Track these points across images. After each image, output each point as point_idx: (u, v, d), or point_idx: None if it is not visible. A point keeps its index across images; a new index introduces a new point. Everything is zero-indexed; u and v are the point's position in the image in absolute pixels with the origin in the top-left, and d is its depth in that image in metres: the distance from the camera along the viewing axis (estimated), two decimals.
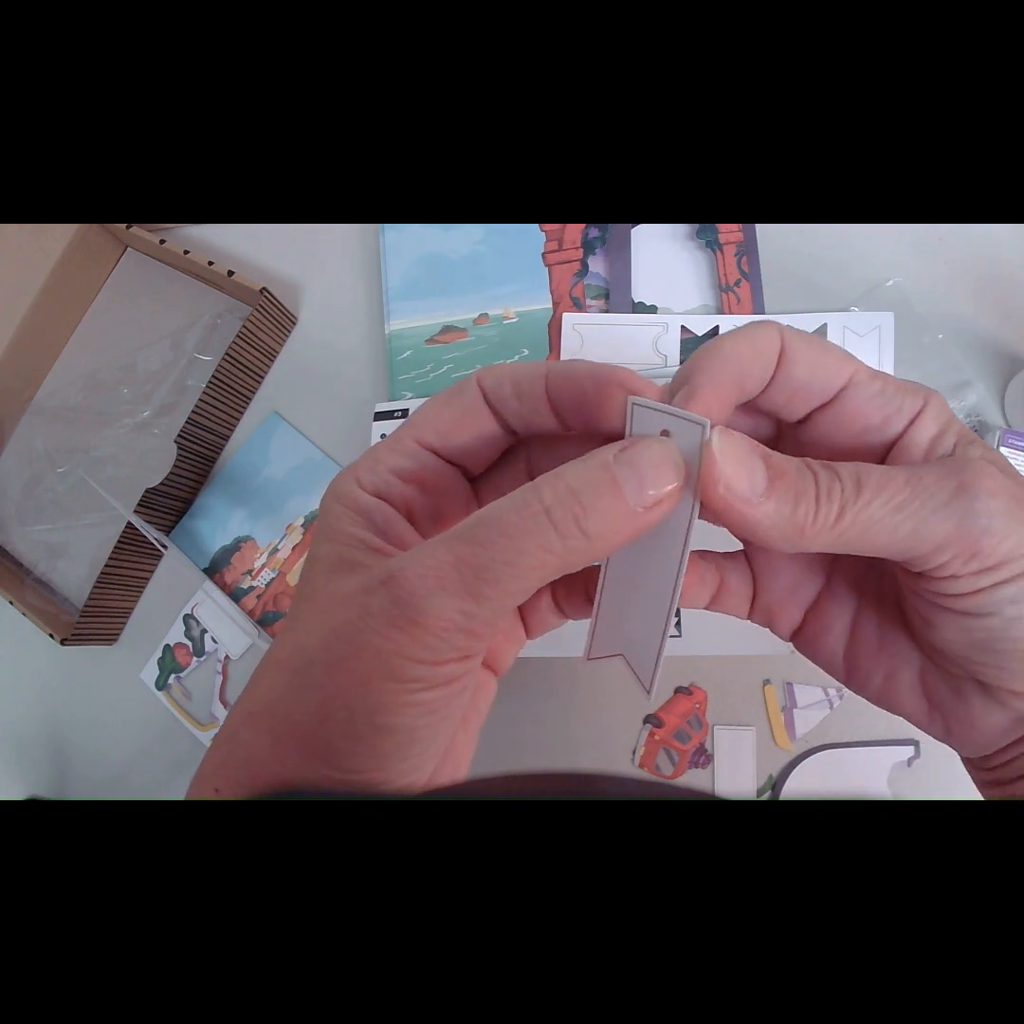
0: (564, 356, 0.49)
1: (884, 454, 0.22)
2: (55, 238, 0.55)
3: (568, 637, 0.45)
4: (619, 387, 0.20)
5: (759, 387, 0.21)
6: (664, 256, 0.50)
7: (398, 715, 0.18)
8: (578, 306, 0.50)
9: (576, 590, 0.24)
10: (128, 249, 0.60)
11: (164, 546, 0.52)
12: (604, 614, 0.22)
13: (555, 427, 0.21)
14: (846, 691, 0.45)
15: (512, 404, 0.21)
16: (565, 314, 0.50)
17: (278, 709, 0.19)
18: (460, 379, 0.22)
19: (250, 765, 0.19)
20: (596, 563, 0.21)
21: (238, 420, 0.55)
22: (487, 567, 0.17)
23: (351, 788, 0.19)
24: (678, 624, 0.45)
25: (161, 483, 0.50)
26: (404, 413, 0.50)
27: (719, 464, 0.18)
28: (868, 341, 0.46)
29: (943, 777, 0.43)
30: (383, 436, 0.50)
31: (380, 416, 0.51)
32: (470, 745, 0.24)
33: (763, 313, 0.48)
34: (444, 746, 0.20)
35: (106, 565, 0.50)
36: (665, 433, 0.19)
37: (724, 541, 0.23)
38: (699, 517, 0.19)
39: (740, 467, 0.19)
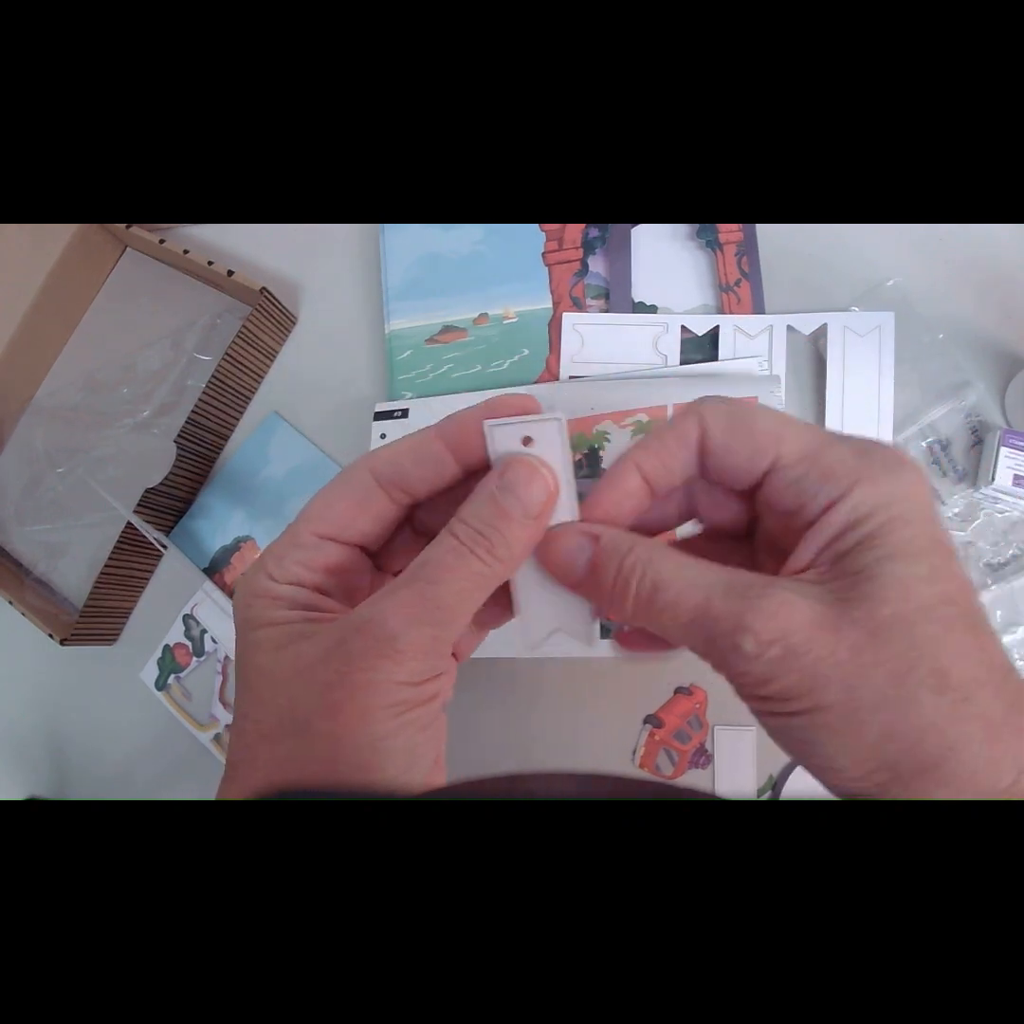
0: (564, 356, 0.49)
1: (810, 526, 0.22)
2: (55, 238, 0.55)
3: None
4: (494, 409, 0.24)
5: (685, 473, 0.23)
6: (664, 256, 0.50)
7: (398, 737, 0.21)
8: (578, 306, 0.50)
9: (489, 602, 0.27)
10: (128, 249, 0.60)
11: (164, 546, 0.52)
12: (524, 605, 0.25)
13: (457, 475, 0.24)
14: None
15: (415, 472, 0.24)
16: (565, 314, 0.50)
17: (289, 776, 0.21)
18: (347, 468, 0.24)
19: None
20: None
21: (238, 420, 0.55)
22: (442, 598, 0.21)
23: (354, 790, 0.20)
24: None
25: (161, 483, 0.50)
26: (404, 413, 0.50)
27: (545, 555, 0.23)
28: (868, 341, 0.46)
29: None
30: (383, 436, 0.50)
31: (380, 416, 0.51)
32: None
33: (763, 312, 0.48)
34: (437, 755, 0.23)
35: (106, 565, 0.50)
36: (527, 439, 0.23)
37: None
38: None
39: (562, 560, 0.23)
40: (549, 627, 0.25)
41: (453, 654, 0.26)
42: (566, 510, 0.23)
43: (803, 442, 0.21)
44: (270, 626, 0.23)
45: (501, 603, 0.26)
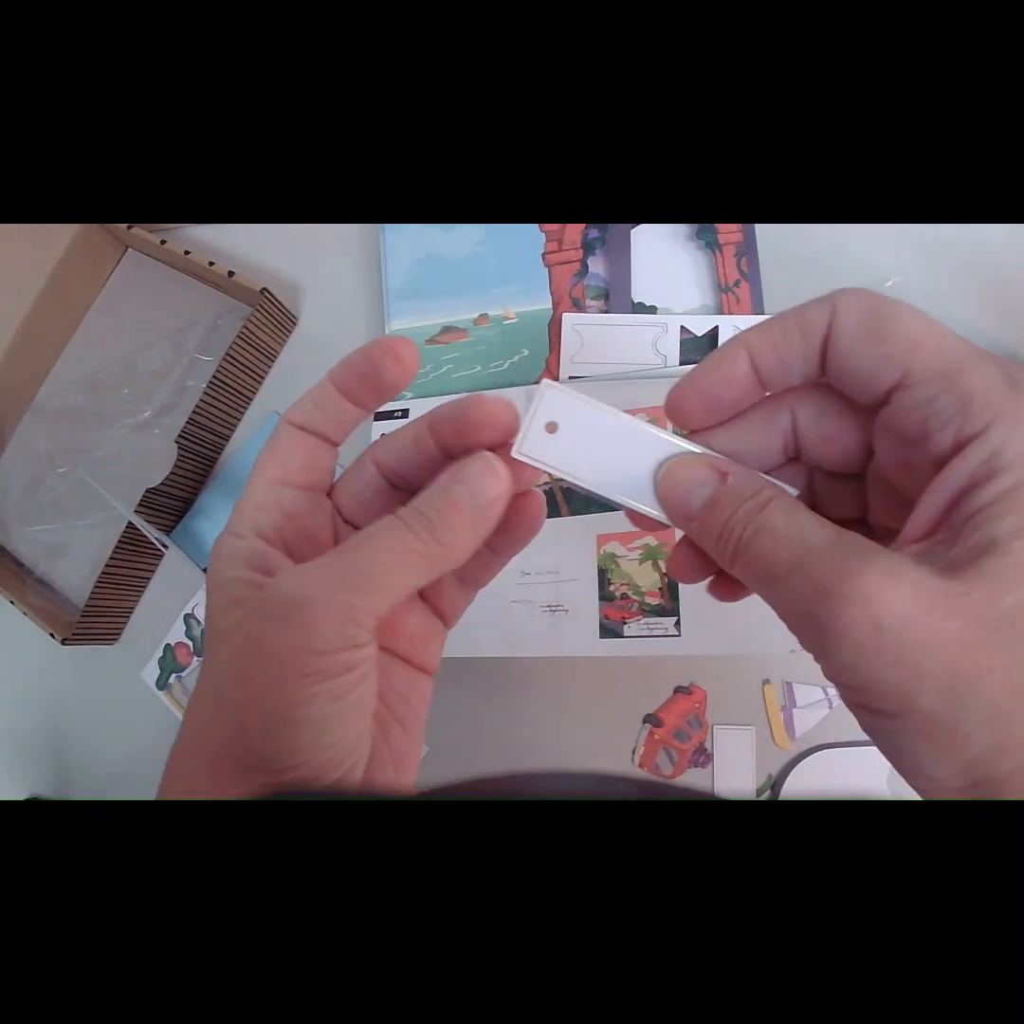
0: (564, 356, 0.49)
1: (938, 467, 0.18)
2: (55, 238, 0.55)
3: (568, 637, 0.45)
4: (489, 407, 0.23)
5: (803, 370, 0.20)
6: (664, 256, 0.50)
7: (307, 706, 0.20)
8: (578, 306, 0.50)
9: (475, 566, 0.26)
10: (128, 249, 0.60)
11: (165, 546, 0.52)
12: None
13: (435, 453, 0.24)
14: None
15: (329, 407, 0.25)
16: (565, 314, 0.50)
17: (205, 735, 0.22)
18: (276, 425, 0.25)
19: (194, 795, 0.21)
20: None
21: (238, 420, 0.55)
22: (363, 567, 0.20)
23: (281, 787, 0.20)
24: (677, 623, 0.45)
25: (162, 483, 0.50)
26: (405, 413, 0.50)
27: (663, 479, 0.22)
28: None
29: None
30: (383, 436, 0.50)
31: (380, 416, 0.51)
32: (414, 747, 0.25)
33: (763, 314, 0.48)
34: (362, 734, 0.22)
35: (107, 565, 0.50)
36: (552, 425, 0.23)
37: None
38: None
39: (681, 491, 0.22)
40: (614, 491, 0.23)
41: (441, 617, 0.26)
42: (662, 445, 0.22)
43: (945, 357, 0.18)
44: (222, 589, 0.22)
45: (483, 556, 0.25)
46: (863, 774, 0.44)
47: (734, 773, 0.46)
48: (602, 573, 0.46)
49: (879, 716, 0.17)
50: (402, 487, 0.25)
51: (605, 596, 0.45)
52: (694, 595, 0.44)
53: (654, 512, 0.22)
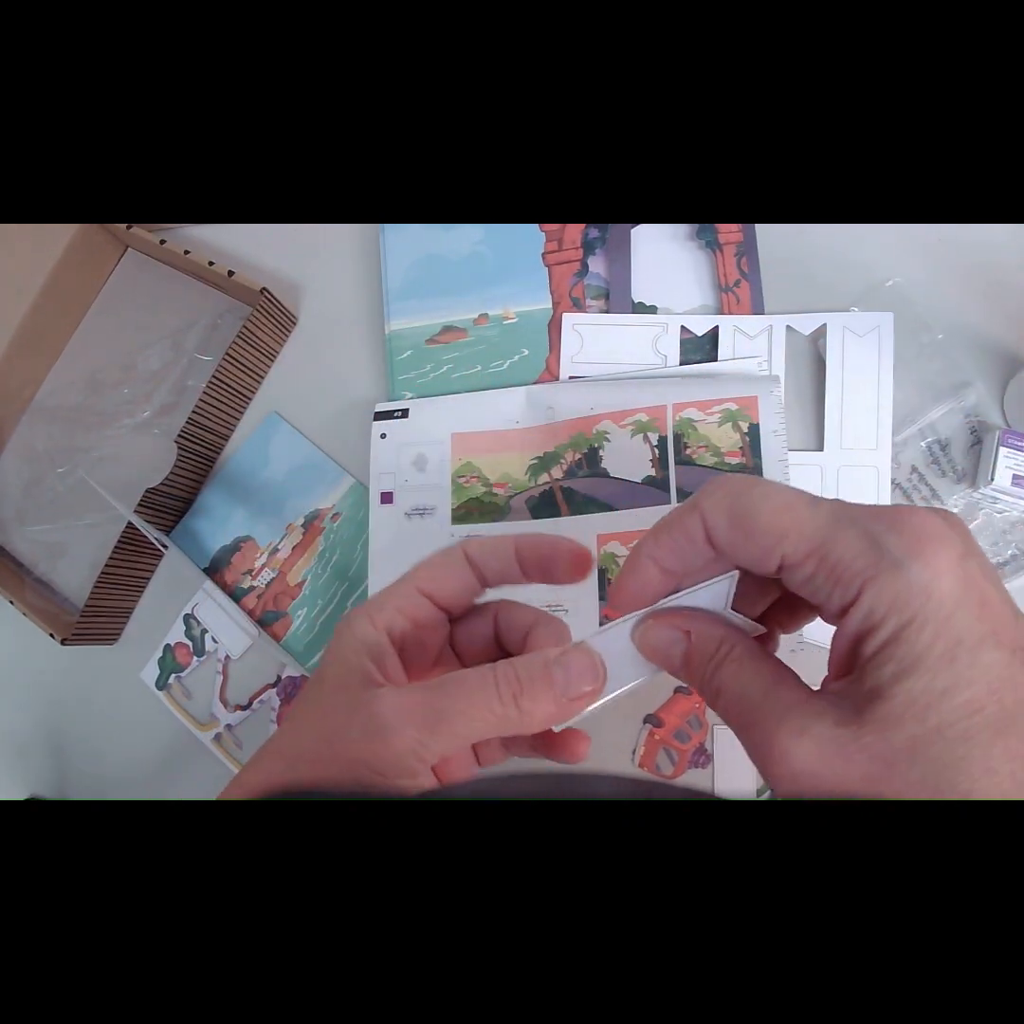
0: (564, 356, 0.49)
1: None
2: (56, 238, 0.55)
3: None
4: (568, 553, 0.27)
5: (701, 561, 0.23)
6: (664, 256, 0.50)
7: (371, 789, 0.23)
8: (578, 306, 0.50)
9: (520, 740, 0.30)
10: (128, 249, 0.60)
11: (164, 546, 0.52)
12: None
13: (520, 578, 0.28)
14: None
15: (493, 563, 0.28)
16: (565, 314, 0.50)
17: (273, 790, 0.24)
18: (446, 548, 0.28)
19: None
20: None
21: (238, 420, 0.55)
22: (443, 711, 0.23)
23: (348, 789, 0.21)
24: None
25: (161, 483, 0.50)
26: (404, 413, 0.50)
27: (641, 645, 0.24)
28: (867, 341, 0.46)
29: None
30: (383, 436, 0.50)
31: (380, 416, 0.51)
32: None
33: (763, 313, 0.48)
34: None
35: (106, 565, 0.50)
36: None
37: None
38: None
39: (659, 651, 0.24)
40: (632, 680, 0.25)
41: (439, 776, 0.28)
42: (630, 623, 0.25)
43: (807, 537, 0.19)
44: (341, 666, 0.25)
45: (521, 748, 0.29)
46: None
47: (734, 773, 0.46)
48: (602, 573, 0.46)
49: None
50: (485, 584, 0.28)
51: (606, 596, 0.45)
52: None
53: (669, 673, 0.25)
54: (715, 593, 0.24)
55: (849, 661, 0.20)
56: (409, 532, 0.49)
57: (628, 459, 0.47)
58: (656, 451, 0.47)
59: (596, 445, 0.48)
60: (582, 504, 0.47)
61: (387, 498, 0.50)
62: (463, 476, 0.50)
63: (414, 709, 0.23)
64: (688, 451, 0.46)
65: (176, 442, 0.50)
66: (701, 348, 0.48)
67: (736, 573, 0.23)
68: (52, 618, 0.53)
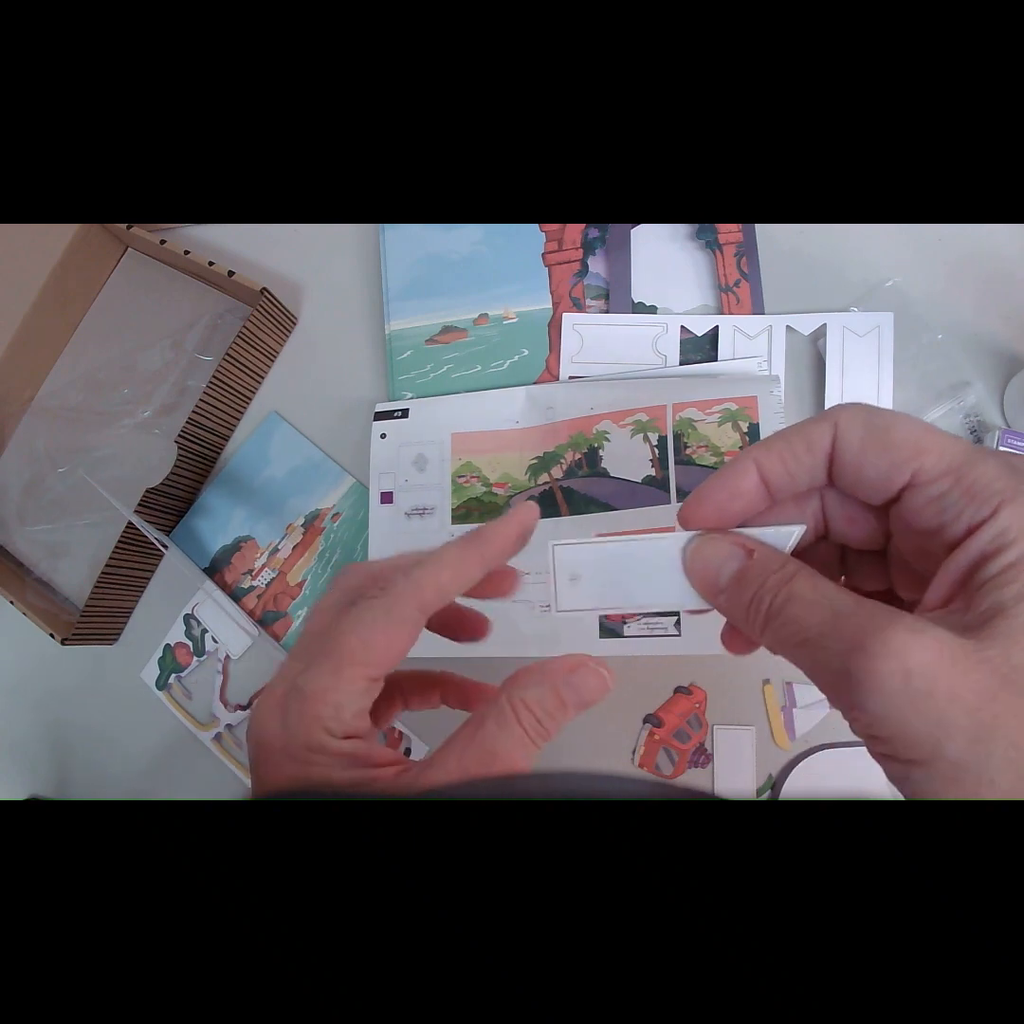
0: (564, 356, 0.49)
1: (951, 549, 0.20)
2: (56, 238, 0.55)
3: (567, 637, 0.45)
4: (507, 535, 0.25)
5: (810, 481, 0.22)
6: (664, 256, 0.50)
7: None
8: (578, 306, 0.50)
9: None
10: (128, 249, 0.60)
11: (164, 546, 0.52)
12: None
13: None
14: None
15: (455, 594, 0.25)
16: (565, 314, 0.50)
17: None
18: (393, 598, 0.23)
19: None
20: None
21: (238, 420, 0.55)
22: (496, 760, 0.22)
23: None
24: (677, 623, 0.45)
25: (161, 483, 0.50)
26: (404, 413, 0.50)
27: (691, 557, 0.23)
28: (867, 341, 0.46)
29: None
30: (383, 436, 0.50)
31: (380, 416, 0.51)
32: None
33: (763, 313, 0.48)
34: None
35: (106, 565, 0.50)
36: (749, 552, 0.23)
37: None
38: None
39: (709, 567, 0.23)
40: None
41: (375, 720, 0.27)
42: (679, 539, 0.23)
43: (947, 456, 0.20)
44: (303, 778, 0.22)
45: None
46: (864, 775, 0.44)
47: (734, 773, 0.46)
48: None
49: (909, 766, 0.18)
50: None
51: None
52: None
53: (693, 604, 0.24)
54: (776, 538, 0.22)
55: (959, 586, 0.19)
56: (409, 532, 0.49)
57: (628, 459, 0.47)
58: (656, 451, 0.47)
59: (596, 445, 0.48)
60: (582, 504, 0.47)
61: (387, 498, 0.50)
62: (463, 476, 0.50)
63: (472, 766, 0.22)
64: (688, 451, 0.46)
65: (176, 442, 0.50)
66: (701, 348, 0.48)
67: (803, 526, 0.22)
68: (52, 618, 0.53)
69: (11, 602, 0.52)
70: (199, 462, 0.53)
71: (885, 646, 0.18)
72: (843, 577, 0.25)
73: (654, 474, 0.47)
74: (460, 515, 0.49)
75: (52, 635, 0.51)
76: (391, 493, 0.50)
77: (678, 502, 0.46)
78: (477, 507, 0.49)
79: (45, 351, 0.59)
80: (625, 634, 0.45)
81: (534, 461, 0.49)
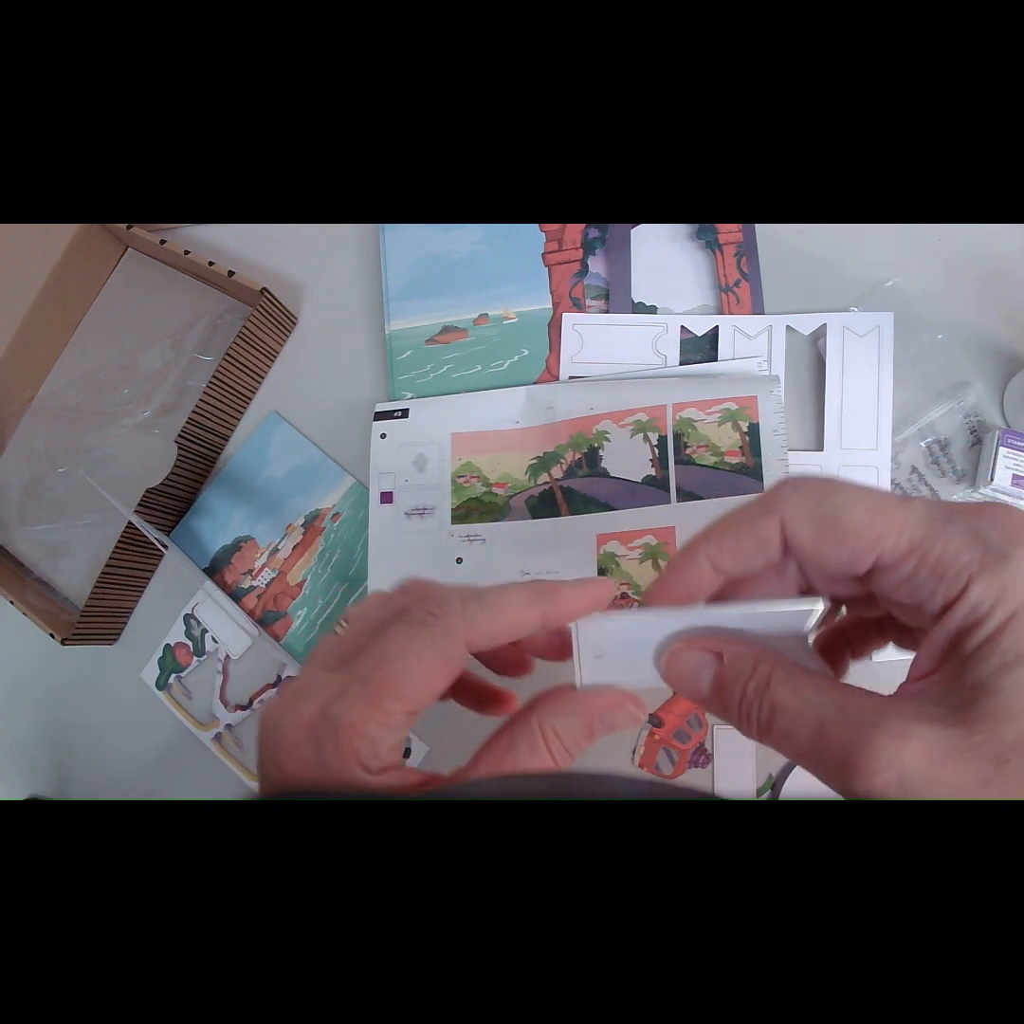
0: (564, 356, 0.49)
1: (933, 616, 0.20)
2: (56, 238, 0.55)
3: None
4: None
5: (764, 563, 0.22)
6: (664, 256, 0.50)
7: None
8: (578, 306, 0.50)
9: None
10: (128, 249, 0.60)
11: (164, 546, 0.52)
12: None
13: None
14: None
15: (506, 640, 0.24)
16: (565, 314, 0.50)
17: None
18: (442, 629, 0.22)
19: None
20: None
21: (238, 420, 0.55)
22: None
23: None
24: None
25: (161, 483, 0.50)
26: (404, 413, 0.50)
27: (667, 673, 0.23)
28: (867, 341, 0.46)
29: None
30: (383, 436, 0.50)
31: (380, 416, 0.51)
32: None
33: (763, 313, 0.48)
34: None
35: (106, 565, 0.50)
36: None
37: None
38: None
39: (685, 678, 0.22)
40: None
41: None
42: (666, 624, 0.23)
43: (906, 534, 0.19)
44: (347, 781, 0.21)
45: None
46: None
47: (734, 773, 0.46)
48: (602, 572, 0.46)
49: None
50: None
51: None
52: None
53: None
54: (790, 621, 0.21)
55: (944, 657, 0.19)
56: (409, 531, 0.49)
57: (628, 459, 0.47)
58: (656, 451, 0.47)
59: (596, 445, 0.48)
60: (582, 504, 0.47)
61: (387, 498, 0.50)
62: (463, 476, 0.50)
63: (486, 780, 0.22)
64: (688, 451, 0.46)
65: (176, 442, 0.50)
66: (701, 348, 0.48)
67: (823, 602, 0.21)
68: (52, 618, 0.53)
69: (11, 602, 0.52)
70: (199, 462, 0.53)
71: (876, 762, 0.18)
72: (844, 608, 0.25)
73: (654, 474, 0.47)
74: (460, 515, 0.49)
75: (52, 635, 0.51)
76: (391, 493, 0.50)
77: (678, 502, 0.46)
78: (477, 507, 0.49)
79: (45, 351, 0.59)
80: None
81: (534, 461, 0.49)
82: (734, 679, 0.21)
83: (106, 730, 0.55)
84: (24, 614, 0.52)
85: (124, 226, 0.55)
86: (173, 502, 0.53)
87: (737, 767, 0.46)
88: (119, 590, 0.53)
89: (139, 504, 0.50)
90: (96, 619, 0.52)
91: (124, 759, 0.55)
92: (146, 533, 0.50)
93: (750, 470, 0.46)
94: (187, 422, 0.50)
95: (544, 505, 0.48)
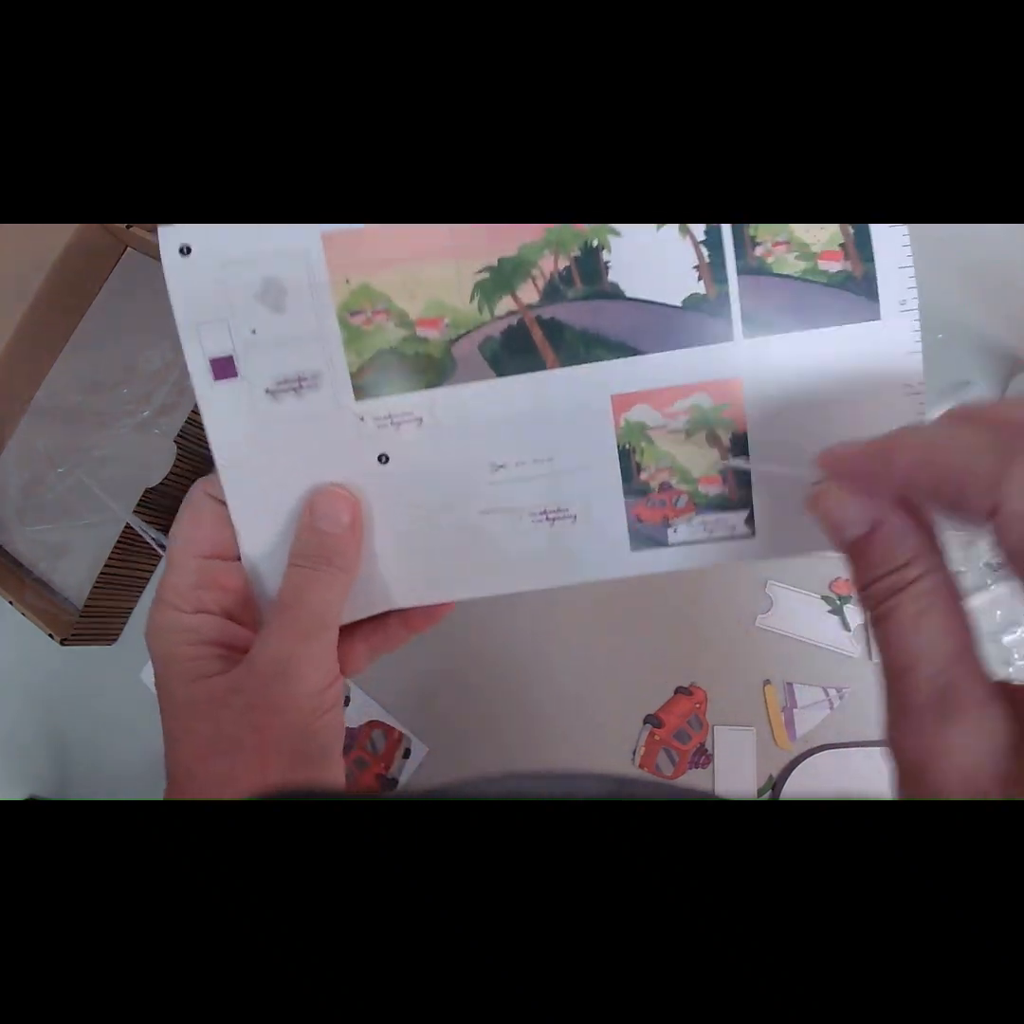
0: None
1: None
2: (55, 238, 0.55)
3: (581, 555, 0.31)
4: None
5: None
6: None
7: (316, 739, 0.26)
8: None
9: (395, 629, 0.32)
10: (128, 249, 0.60)
11: (163, 546, 0.52)
12: None
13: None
14: (846, 691, 0.45)
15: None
16: None
17: (227, 788, 0.25)
18: (192, 491, 0.28)
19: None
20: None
21: None
22: (313, 614, 0.26)
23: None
24: (750, 519, 0.29)
25: (161, 483, 0.50)
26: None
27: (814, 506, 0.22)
28: None
29: None
30: (185, 251, 0.34)
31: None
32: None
33: None
34: (341, 746, 0.28)
35: (106, 565, 0.50)
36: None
37: None
38: None
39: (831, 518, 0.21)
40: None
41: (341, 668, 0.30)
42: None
43: None
44: (180, 661, 0.26)
45: (388, 629, 0.30)
46: (864, 775, 0.44)
47: (735, 774, 0.46)
48: (626, 455, 0.29)
49: None
50: None
51: (635, 490, 0.29)
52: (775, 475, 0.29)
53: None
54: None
55: None
56: (280, 421, 0.28)
57: (656, 267, 0.28)
58: (705, 252, 0.29)
59: (597, 243, 0.28)
60: (580, 346, 0.28)
61: (224, 367, 0.28)
62: (359, 312, 0.28)
63: (290, 628, 0.26)
64: (759, 250, 0.29)
65: (176, 442, 0.50)
66: None
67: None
68: (52, 618, 0.53)
69: (11, 602, 0.52)
70: (199, 462, 0.53)
71: (939, 743, 0.18)
72: None
73: (704, 291, 0.28)
74: (368, 381, 0.28)
75: (51, 635, 0.51)
76: (230, 358, 0.28)
77: (746, 337, 0.28)
78: (395, 364, 0.28)
79: (45, 351, 0.59)
80: (670, 542, 0.29)
81: (483, 275, 0.28)
82: (880, 559, 0.20)
83: (105, 730, 0.55)
84: (23, 614, 0.52)
85: (123, 226, 0.55)
86: (173, 502, 0.53)
87: (737, 767, 0.46)
88: (118, 590, 0.53)
89: (138, 504, 0.50)
90: (95, 619, 0.52)
91: (124, 759, 0.55)
92: (144, 534, 0.50)
93: (858, 280, 0.31)
94: (187, 422, 0.50)
95: (513, 351, 0.28)
